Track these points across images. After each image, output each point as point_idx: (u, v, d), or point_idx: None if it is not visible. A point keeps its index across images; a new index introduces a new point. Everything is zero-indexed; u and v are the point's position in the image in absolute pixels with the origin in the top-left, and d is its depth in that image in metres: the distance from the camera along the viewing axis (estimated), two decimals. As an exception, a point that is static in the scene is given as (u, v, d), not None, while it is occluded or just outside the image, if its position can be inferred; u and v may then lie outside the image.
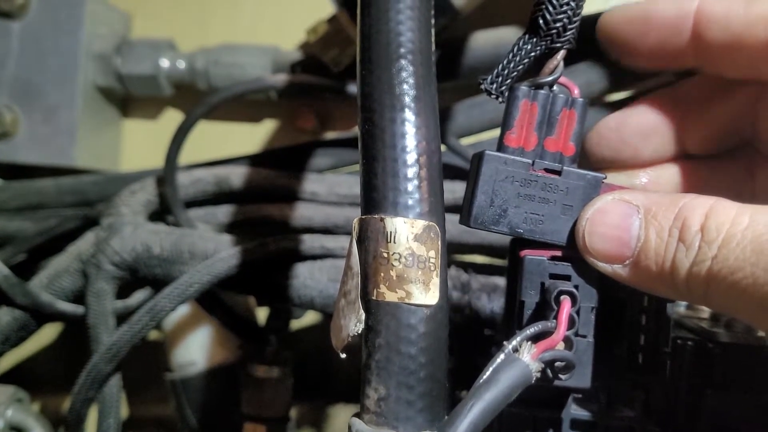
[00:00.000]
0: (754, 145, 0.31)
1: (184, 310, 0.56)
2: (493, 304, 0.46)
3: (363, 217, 0.26)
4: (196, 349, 0.55)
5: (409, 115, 0.25)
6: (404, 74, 0.26)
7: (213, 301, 0.53)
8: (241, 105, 0.65)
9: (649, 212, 0.25)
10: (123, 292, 0.49)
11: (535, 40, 0.27)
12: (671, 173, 0.31)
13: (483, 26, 0.54)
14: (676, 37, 0.29)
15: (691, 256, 0.24)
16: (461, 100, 0.53)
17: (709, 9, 0.28)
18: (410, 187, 0.25)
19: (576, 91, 0.28)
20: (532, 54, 0.28)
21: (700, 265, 0.23)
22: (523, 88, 0.28)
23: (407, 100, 0.25)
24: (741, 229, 0.23)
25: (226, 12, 0.66)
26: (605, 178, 0.28)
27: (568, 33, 0.27)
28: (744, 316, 0.24)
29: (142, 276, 0.47)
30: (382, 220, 0.25)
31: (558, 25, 0.27)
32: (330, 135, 0.64)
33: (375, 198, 0.25)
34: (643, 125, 0.31)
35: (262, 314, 0.60)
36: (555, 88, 0.28)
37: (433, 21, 0.28)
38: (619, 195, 0.26)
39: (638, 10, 0.29)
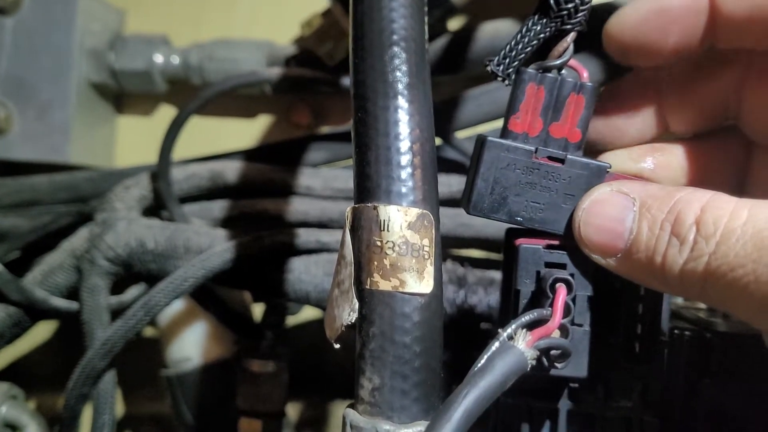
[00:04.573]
0: (740, 129, 0.30)
1: (179, 306, 0.56)
2: (489, 297, 0.45)
3: (356, 205, 0.25)
4: (192, 345, 0.55)
5: (402, 103, 0.25)
6: (397, 61, 0.26)
7: (208, 296, 0.52)
8: (236, 100, 0.65)
9: (644, 205, 0.25)
10: (117, 288, 0.48)
11: (544, 21, 0.26)
12: (678, 156, 0.30)
13: (483, 18, 0.54)
14: (696, 20, 0.27)
15: (685, 252, 0.23)
16: (457, 92, 0.53)
17: None
18: (403, 174, 0.25)
19: (585, 75, 0.27)
20: (541, 36, 0.26)
21: (696, 261, 0.23)
22: (531, 71, 0.27)
23: (400, 87, 0.25)
24: (740, 224, 0.22)
25: (220, 7, 0.66)
26: (610, 167, 0.27)
27: (580, 15, 0.26)
28: (743, 313, 0.23)
29: (136, 271, 0.47)
30: (375, 208, 0.24)
31: (570, 5, 0.26)
32: (325, 129, 0.63)
33: (368, 186, 0.25)
34: (624, 106, 0.30)
35: (258, 311, 0.60)
36: (563, 71, 0.27)
37: (426, 9, 0.28)
38: (617, 186, 0.26)
39: (651, 4, 0.27)
